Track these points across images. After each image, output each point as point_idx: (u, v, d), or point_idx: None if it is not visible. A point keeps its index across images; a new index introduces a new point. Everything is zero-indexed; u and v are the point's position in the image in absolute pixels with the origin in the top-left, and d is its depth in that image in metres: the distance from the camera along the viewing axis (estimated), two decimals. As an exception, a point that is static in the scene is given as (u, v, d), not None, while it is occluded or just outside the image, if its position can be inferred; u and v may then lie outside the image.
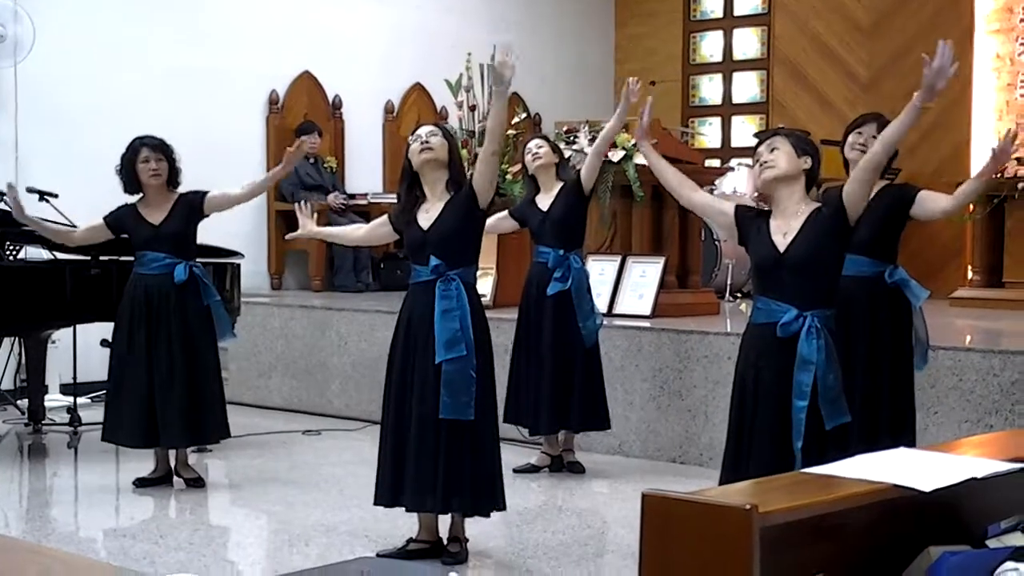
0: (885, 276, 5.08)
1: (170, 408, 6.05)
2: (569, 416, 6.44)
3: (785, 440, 4.05)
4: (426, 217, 4.88)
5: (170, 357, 6.04)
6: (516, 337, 6.55)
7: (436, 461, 4.80)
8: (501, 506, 4.99)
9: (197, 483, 6.25)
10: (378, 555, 4.96)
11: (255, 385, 8.82)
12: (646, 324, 7.24)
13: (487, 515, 4.99)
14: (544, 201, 6.46)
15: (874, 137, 5.10)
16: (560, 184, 6.44)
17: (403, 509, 4.96)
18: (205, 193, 6.13)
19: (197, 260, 6.20)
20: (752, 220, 4.27)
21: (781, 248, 4.11)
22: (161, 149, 6.07)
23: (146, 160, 6.03)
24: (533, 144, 6.54)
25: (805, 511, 2.18)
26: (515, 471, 6.49)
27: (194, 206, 6.11)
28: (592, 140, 7.34)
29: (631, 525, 5.19)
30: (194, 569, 4.94)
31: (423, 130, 4.95)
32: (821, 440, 4.03)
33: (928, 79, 3.93)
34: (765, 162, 4.18)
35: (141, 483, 6.26)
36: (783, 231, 4.14)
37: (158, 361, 6.04)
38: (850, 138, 5.19)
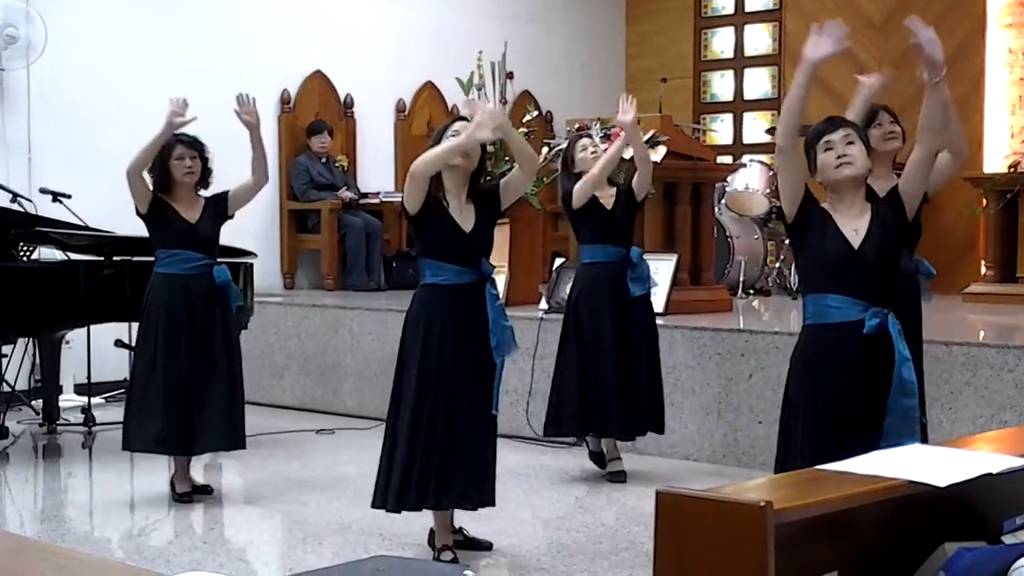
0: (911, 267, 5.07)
1: (212, 413, 5.90)
2: (660, 419, 6.42)
3: (878, 438, 3.94)
4: (462, 217, 4.82)
5: (214, 360, 5.90)
6: (577, 339, 6.32)
7: (488, 457, 4.96)
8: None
9: (204, 490, 6.19)
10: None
11: (268, 384, 8.83)
12: (659, 321, 7.20)
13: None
14: (603, 200, 6.32)
15: (892, 121, 5.09)
16: (614, 188, 6.34)
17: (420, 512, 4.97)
18: (225, 194, 6.00)
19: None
20: (816, 211, 4.10)
21: (856, 245, 4.02)
22: (196, 146, 5.92)
23: (180, 157, 5.85)
24: (589, 143, 6.39)
25: (820, 508, 2.18)
26: (610, 481, 6.39)
27: (220, 209, 5.98)
28: (604, 137, 7.34)
29: (645, 523, 5.19)
30: (209, 568, 4.95)
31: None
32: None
33: (926, 54, 3.94)
34: (843, 155, 4.02)
35: (184, 497, 6.02)
36: (853, 228, 4.04)
37: (203, 364, 5.87)
38: (873, 132, 5.00)
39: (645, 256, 7.25)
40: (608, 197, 6.32)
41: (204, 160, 5.97)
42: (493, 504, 5.01)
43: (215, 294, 5.94)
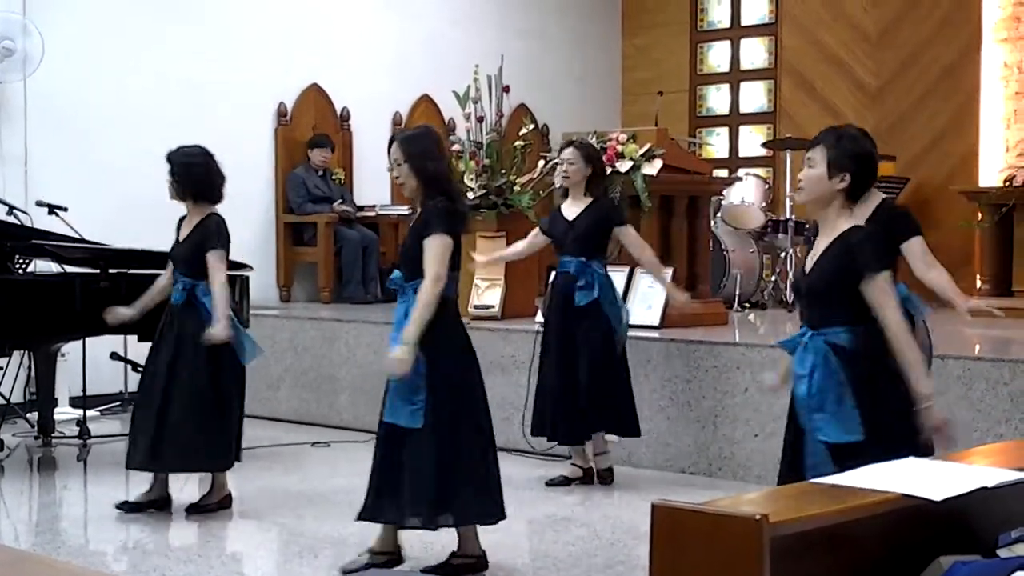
0: None
1: (171, 432, 5.79)
2: (612, 422, 6.45)
3: (798, 455, 3.99)
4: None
5: (172, 377, 5.82)
6: (543, 348, 6.54)
7: (399, 472, 4.80)
8: (470, 519, 4.89)
9: (225, 502, 6.13)
10: (423, 570, 4.94)
11: (264, 397, 8.82)
12: (655, 335, 7.23)
13: (450, 526, 4.88)
14: (570, 211, 6.41)
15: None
16: (590, 199, 6.38)
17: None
18: (227, 239, 5.89)
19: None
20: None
21: (807, 269, 4.02)
22: (168, 162, 5.86)
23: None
24: (566, 156, 6.44)
25: (815, 521, 2.18)
26: (548, 484, 6.51)
27: (204, 239, 5.83)
28: (602, 150, 7.35)
29: (641, 536, 5.19)
30: (204, 581, 4.94)
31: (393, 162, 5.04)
32: (837, 456, 3.86)
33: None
34: (798, 179, 4.01)
35: (129, 507, 5.97)
36: (816, 252, 4.01)
37: (176, 382, 5.82)
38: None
39: (641, 270, 7.27)
40: (573, 209, 6.38)
41: (181, 175, 5.85)
42: (413, 526, 4.83)
43: (176, 314, 5.88)
